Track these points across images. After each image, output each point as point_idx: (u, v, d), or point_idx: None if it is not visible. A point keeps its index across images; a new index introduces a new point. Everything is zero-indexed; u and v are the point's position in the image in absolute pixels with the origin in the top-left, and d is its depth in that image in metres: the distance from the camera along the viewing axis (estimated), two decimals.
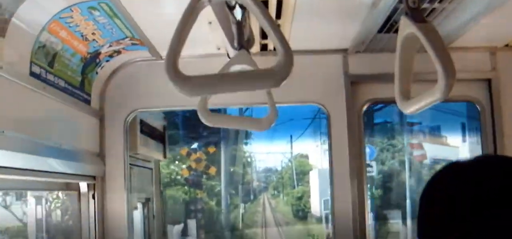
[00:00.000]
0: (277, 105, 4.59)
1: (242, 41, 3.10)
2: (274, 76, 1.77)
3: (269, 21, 1.86)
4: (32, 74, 3.26)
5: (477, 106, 4.48)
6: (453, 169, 1.69)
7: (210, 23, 3.53)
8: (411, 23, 2.39)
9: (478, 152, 5.01)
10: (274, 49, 4.25)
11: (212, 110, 3.39)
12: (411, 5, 2.42)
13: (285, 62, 1.75)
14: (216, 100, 3.91)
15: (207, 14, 3.40)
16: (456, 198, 1.56)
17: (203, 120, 3.10)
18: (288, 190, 34.27)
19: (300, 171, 34.06)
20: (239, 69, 3.03)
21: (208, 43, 4.03)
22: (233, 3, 1.96)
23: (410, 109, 2.63)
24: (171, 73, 1.74)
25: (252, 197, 35.43)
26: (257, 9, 1.90)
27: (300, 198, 31.22)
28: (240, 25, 3.05)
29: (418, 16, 2.40)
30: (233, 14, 2.89)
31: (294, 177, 33.80)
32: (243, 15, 2.91)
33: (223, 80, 1.89)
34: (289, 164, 35.52)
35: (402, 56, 2.61)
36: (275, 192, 36.79)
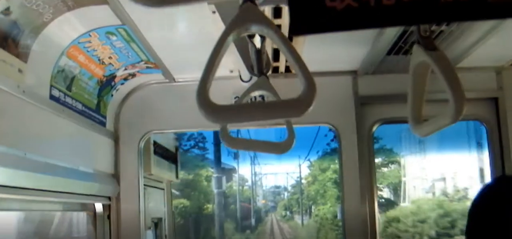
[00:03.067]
0: (288, 126, 4.69)
1: (262, 68, 3.18)
2: (299, 106, 1.84)
3: (292, 53, 1.94)
4: (52, 97, 3.36)
5: (485, 125, 4.54)
6: (503, 182, 1.73)
7: None
8: (423, 51, 2.48)
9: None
10: (285, 71, 4.37)
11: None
12: (423, 34, 2.51)
13: (309, 91, 1.82)
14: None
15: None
16: (506, 210, 1.61)
17: (225, 144, 3.19)
18: None
19: None
20: (260, 94, 3.13)
21: (221, 66, 4.12)
22: (264, 32, 2.04)
23: (422, 132, 2.71)
24: (201, 101, 1.82)
25: None
26: (280, 41, 1.99)
27: None
28: (259, 52, 3.14)
29: (430, 44, 2.49)
30: (252, 42, 2.98)
31: None
32: (262, 43, 3.00)
33: (249, 110, 1.97)
34: None
35: (415, 82, 2.70)
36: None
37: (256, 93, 3.18)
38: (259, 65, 3.17)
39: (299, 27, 1.29)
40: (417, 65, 2.61)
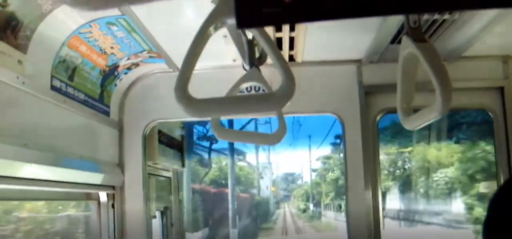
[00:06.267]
0: (292, 115, 4.67)
1: (253, 59, 3.17)
2: (276, 100, 1.85)
3: (270, 46, 1.95)
4: (53, 88, 3.37)
5: (490, 114, 4.50)
6: None
7: (225, 36, 3.62)
8: (411, 42, 2.45)
9: None
10: (289, 60, 4.34)
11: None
12: (412, 25, 2.49)
13: (287, 86, 1.83)
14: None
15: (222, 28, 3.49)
16: None
17: (216, 135, 3.19)
18: None
19: None
20: (250, 85, 3.12)
21: (224, 56, 4.12)
22: (233, 31, 2.05)
23: (411, 125, 2.69)
24: (179, 95, 1.84)
25: None
26: (258, 33, 1.99)
27: None
28: (251, 43, 3.12)
29: (418, 35, 2.46)
30: (244, 34, 2.96)
31: None
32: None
33: (227, 103, 1.97)
34: None
35: (403, 74, 2.67)
36: None
37: (249, 84, 3.17)
38: (251, 57, 3.16)
39: (245, 19, 1.26)
40: (406, 56, 2.59)
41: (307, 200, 43.08)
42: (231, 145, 28.82)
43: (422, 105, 2.56)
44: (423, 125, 2.62)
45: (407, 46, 2.50)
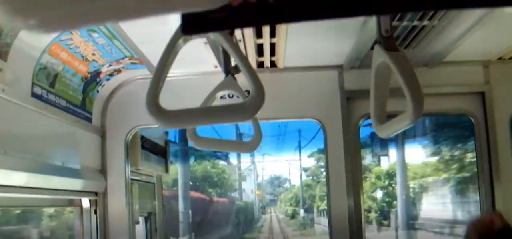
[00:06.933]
0: (274, 120, 4.69)
1: (229, 68, 3.19)
2: (246, 110, 1.89)
3: (239, 56, 1.98)
4: (34, 95, 3.36)
5: (471, 119, 4.55)
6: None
7: (205, 43, 3.63)
8: (383, 51, 2.48)
9: None
10: (270, 66, 4.37)
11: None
12: (384, 34, 2.51)
13: (256, 96, 1.86)
14: None
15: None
16: None
17: (193, 144, 3.19)
18: None
19: None
20: (221, 96, 3.14)
21: (206, 62, 4.13)
22: (211, 38, 2.08)
23: (384, 133, 2.72)
24: (150, 108, 1.86)
25: None
26: (226, 44, 2.03)
27: None
28: (225, 52, 3.15)
29: (390, 44, 2.49)
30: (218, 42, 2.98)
31: None
32: None
33: (198, 114, 2.00)
34: None
35: (376, 83, 2.70)
36: None
37: (225, 92, 3.19)
38: (226, 65, 3.18)
39: (191, 25, 1.27)
40: (378, 65, 2.61)
41: (297, 205, 40.02)
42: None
43: (399, 111, 2.60)
44: (395, 133, 2.65)
45: (380, 55, 2.53)
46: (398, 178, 23.78)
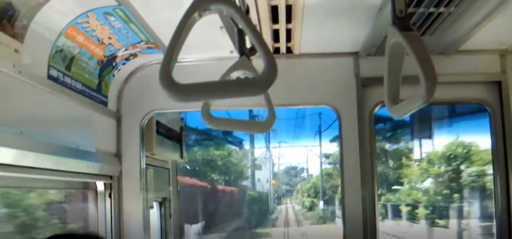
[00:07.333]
0: (289, 107, 4.69)
1: (243, 48, 3.19)
2: (258, 85, 1.90)
3: (255, 35, 1.98)
4: (50, 77, 3.39)
5: (487, 108, 4.51)
6: None
7: (221, 27, 3.63)
8: (397, 31, 2.48)
9: None
10: (286, 52, 4.37)
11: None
12: (398, 15, 2.50)
13: (269, 71, 1.87)
14: (221, 102, 4.04)
15: (219, 19, 3.50)
16: None
17: (205, 122, 3.20)
18: None
19: None
20: (238, 75, 3.14)
21: (222, 47, 4.14)
22: (225, 13, 2.08)
23: (397, 113, 2.72)
24: (163, 81, 1.88)
25: None
26: (241, 20, 2.03)
27: None
28: (241, 32, 3.14)
29: (404, 25, 2.48)
30: (235, 22, 2.98)
31: None
32: None
33: (211, 89, 2.01)
34: None
35: (390, 63, 2.69)
36: None
37: (241, 73, 3.18)
38: (240, 45, 3.18)
39: None
40: (392, 46, 2.61)
41: (315, 196, 36.52)
42: None
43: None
44: (409, 114, 2.64)
45: (394, 36, 2.53)
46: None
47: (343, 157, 4.51)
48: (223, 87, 2.05)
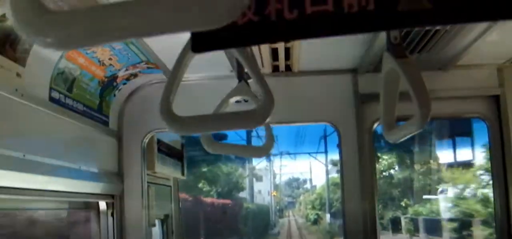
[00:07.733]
0: (289, 124, 4.73)
1: (242, 73, 3.23)
2: (256, 117, 1.94)
3: (249, 64, 2.03)
4: (52, 99, 3.43)
5: (486, 122, 4.54)
6: None
7: None
8: (392, 58, 2.51)
9: None
10: (285, 70, 4.40)
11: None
12: (393, 42, 2.53)
13: (266, 104, 1.91)
14: None
15: None
16: None
17: (206, 148, 3.22)
18: None
19: None
20: (236, 101, 3.19)
21: (222, 66, 4.17)
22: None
23: (393, 138, 2.75)
24: (164, 115, 1.93)
25: None
26: (240, 56, 2.07)
27: None
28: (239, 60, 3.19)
29: (399, 51, 2.51)
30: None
31: None
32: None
33: (210, 121, 2.06)
34: None
35: (386, 89, 2.73)
36: None
37: (240, 98, 3.23)
38: (239, 71, 3.22)
39: (200, 44, 1.33)
40: (387, 72, 2.64)
41: (320, 208, 33.93)
42: None
43: (411, 115, 2.62)
44: (404, 139, 2.67)
45: (389, 62, 2.56)
46: None
47: (343, 173, 4.54)
48: (222, 120, 2.10)
